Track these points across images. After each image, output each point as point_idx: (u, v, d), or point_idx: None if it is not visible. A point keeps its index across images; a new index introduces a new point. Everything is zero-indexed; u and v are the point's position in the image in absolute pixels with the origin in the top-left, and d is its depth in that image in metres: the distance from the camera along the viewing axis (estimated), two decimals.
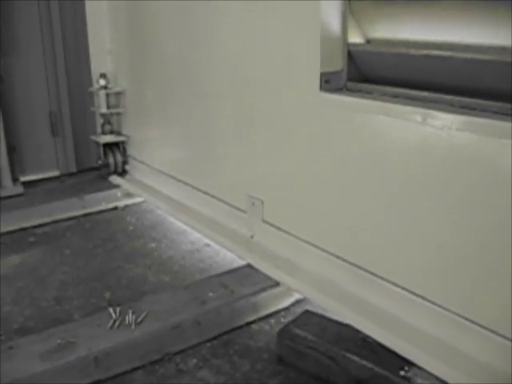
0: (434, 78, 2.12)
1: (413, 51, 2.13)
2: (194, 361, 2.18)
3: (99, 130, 4.06)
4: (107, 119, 4.00)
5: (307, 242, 2.48)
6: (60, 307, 2.54)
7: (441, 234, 1.94)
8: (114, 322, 2.24)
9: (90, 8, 3.93)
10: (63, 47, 4.09)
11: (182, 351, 2.23)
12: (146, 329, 2.21)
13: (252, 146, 2.74)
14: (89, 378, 2.03)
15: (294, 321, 2.23)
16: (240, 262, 2.78)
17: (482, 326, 1.83)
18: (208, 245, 3.10)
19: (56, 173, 4.23)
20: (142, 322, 2.25)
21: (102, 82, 3.89)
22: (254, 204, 2.74)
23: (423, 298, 2.00)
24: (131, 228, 3.39)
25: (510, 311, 1.76)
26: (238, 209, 2.89)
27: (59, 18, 4.03)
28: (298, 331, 2.14)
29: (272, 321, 2.41)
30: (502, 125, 1.73)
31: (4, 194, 3.77)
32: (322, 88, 2.27)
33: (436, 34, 2.09)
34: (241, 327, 2.36)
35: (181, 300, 2.39)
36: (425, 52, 2.09)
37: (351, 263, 2.27)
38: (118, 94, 3.99)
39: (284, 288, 2.49)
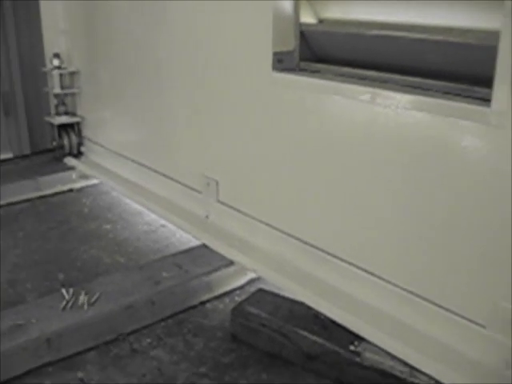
0: (383, 57, 2.15)
1: (363, 31, 2.15)
2: (148, 340, 2.19)
3: (53, 111, 3.99)
4: (61, 100, 3.94)
5: (261, 222, 2.50)
6: (13, 290, 2.51)
7: (389, 210, 1.98)
8: (67, 303, 2.23)
9: None
10: (15, 26, 4.00)
11: (135, 331, 2.23)
12: (99, 309, 2.20)
13: (206, 127, 2.73)
14: (41, 359, 2.02)
15: (247, 299, 2.25)
16: (196, 242, 2.78)
17: (429, 301, 1.89)
18: (164, 226, 3.10)
19: (9, 154, 4.16)
20: (95, 302, 2.24)
21: (56, 62, 3.82)
22: (208, 184, 2.75)
23: (372, 274, 2.04)
24: (86, 210, 3.36)
25: (456, 286, 1.81)
26: (194, 189, 2.89)
27: None
28: (251, 309, 2.17)
29: (226, 300, 2.43)
30: (448, 103, 1.77)
31: None
32: (274, 68, 2.28)
33: (386, 15, 2.11)
34: (195, 306, 2.37)
35: (134, 280, 2.39)
36: (374, 32, 2.11)
37: (304, 241, 2.30)
38: (72, 74, 3.92)
39: (238, 267, 2.51)
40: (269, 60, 2.28)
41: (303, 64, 2.34)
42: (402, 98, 1.88)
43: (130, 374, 2.02)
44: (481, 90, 1.77)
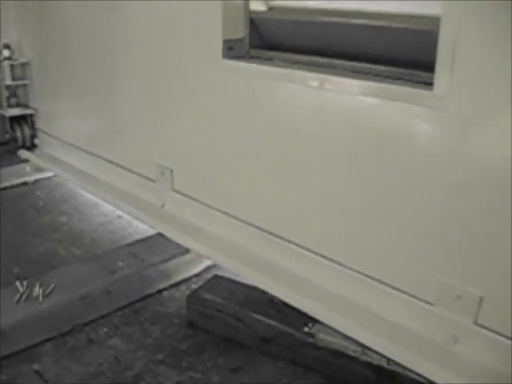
0: (332, 44, 2.18)
1: (312, 18, 2.18)
2: (105, 330, 2.19)
3: (5, 103, 3.91)
4: (13, 91, 3.87)
5: (216, 209, 2.52)
6: None
7: (339, 194, 2.01)
8: (21, 295, 2.21)
9: None
10: None
11: (92, 321, 2.23)
12: (54, 301, 2.20)
13: (159, 116, 2.73)
14: None
15: (202, 286, 2.27)
16: (152, 232, 2.79)
17: (379, 281, 1.93)
18: (120, 216, 3.09)
19: None
20: (50, 294, 2.24)
21: (6, 53, 3.75)
22: (163, 173, 2.75)
23: (324, 256, 2.08)
24: (41, 203, 3.32)
25: (405, 265, 1.86)
26: (149, 179, 2.89)
27: None
28: (206, 295, 2.19)
29: (183, 287, 2.45)
30: (393, 88, 1.81)
31: None
32: (224, 55, 2.29)
33: (334, 2, 2.14)
34: (152, 295, 2.39)
35: (90, 271, 2.39)
36: (322, 19, 2.14)
37: (259, 228, 2.32)
38: (24, 65, 3.86)
39: (194, 255, 2.52)
40: (219, 48, 2.29)
41: (254, 51, 2.36)
42: (351, 84, 1.91)
43: (87, 364, 2.02)
44: (424, 75, 1.81)
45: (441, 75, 1.66)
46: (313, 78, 2.01)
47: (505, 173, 1.58)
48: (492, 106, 1.60)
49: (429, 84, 1.72)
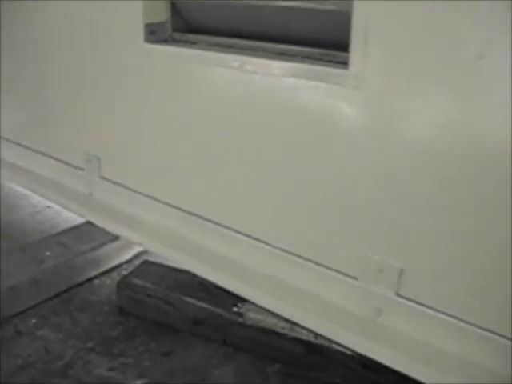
0: (253, 26, 2.19)
1: (232, 1, 2.18)
2: (34, 321, 2.16)
3: None
4: None
5: (145, 195, 2.49)
6: None
7: (263, 175, 2.03)
8: None
9: None
10: None
11: (20, 313, 2.20)
12: None
13: (83, 103, 2.68)
14: None
15: (132, 272, 2.27)
16: (81, 220, 2.75)
17: (304, 258, 1.97)
18: (49, 206, 3.04)
19: None
20: None
21: None
22: (90, 161, 2.70)
23: (251, 236, 2.09)
24: None
25: (328, 241, 1.90)
26: (76, 167, 2.83)
27: None
28: (136, 281, 2.19)
29: (114, 274, 2.44)
30: (311, 68, 1.84)
31: None
32: (146, 39, 2.27)
33: None
34: (82, 283, 2.37)
35: (16, 262, 2.34)
36: (242, 1, 2.14)
37: (187, 212, 2.32)
38: None
39: (124, 242, 2.51)
40: (141, 32, 2.27)
41: (176, 35, 2.34)
42: (271, 65, 1.93)
43: (15, 356, 1.99)
44: (341, 55, 1.84)
45: (355, 54, 1.69)
46: (235, 60, 2.02)
47: (419, 147, 1.63)
48: (406, 83, 1.65)
49: (345, 63, 1.76)
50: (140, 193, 2.52)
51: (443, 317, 1.71)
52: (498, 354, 1.62)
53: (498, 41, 1.44)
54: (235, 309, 2.01)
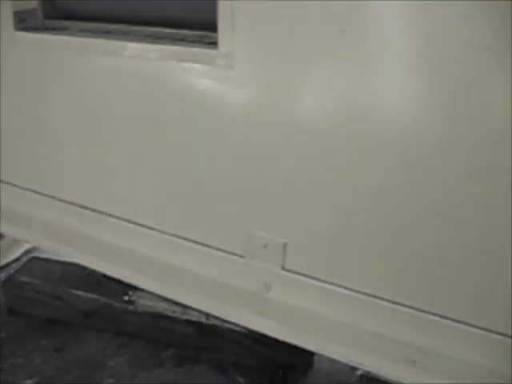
0: (127, 10, 2.15)
1: None
2: None
3: None
4: None
5: (30, 190, 2.41)
6: None
7: (147, 162, 2.02)
8: None
9: None
10: None
11: None
12: None
13: None
14: None
15: (19, 269, 2.20)
16: None
17: (191, 240, 1.97)
18: None
19: None
20: None
21: None
22: None
23: (137, 223, 2.07)
24: None
25: (212, 222, 1.91)
26: None
27: None
28: (23, 278, 2.13)
29: (2, 274, 2.34)
30: (184, 50, 1.83)
31: None
32: (16, 28, 2.19)
33: None
34: None
35: None
36: None
37: (72, 203, 2.26)
38: None
39: (11, 240, 2.42)
40: (10, 20, 2.18)
41: (49, 22, 2.27)
42: (147, 48, 1.90)
43: None
44: (213, 35, 1.85)
45: (223, 34, 1.70)
46: (108, 45, 1.98)
47: (293, 123, 1.67)
48: (276, 60, 1.67)
49: (216, 44, 1.76)
50: (24, 188, 2.42)
51: (328, 286, 1.76)
52: (378, 315, 1.69)
53: (356, 17, 1.49)
54: (126, 297, 1.99)
